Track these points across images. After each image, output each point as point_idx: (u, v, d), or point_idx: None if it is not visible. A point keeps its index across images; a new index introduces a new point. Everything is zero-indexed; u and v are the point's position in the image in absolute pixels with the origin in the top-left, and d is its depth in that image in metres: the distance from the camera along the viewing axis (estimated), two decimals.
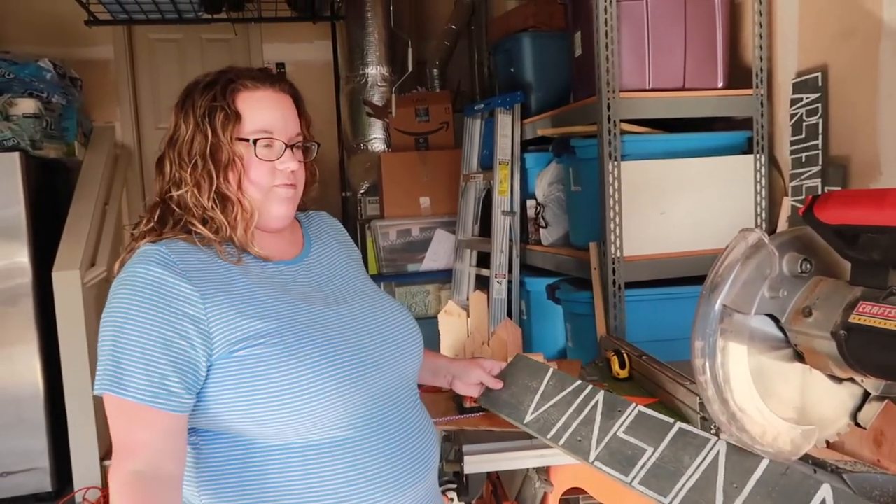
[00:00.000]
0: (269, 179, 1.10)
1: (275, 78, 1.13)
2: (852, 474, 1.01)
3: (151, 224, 1.08)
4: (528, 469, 1.60)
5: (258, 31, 4.74)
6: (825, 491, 0.84)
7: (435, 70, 4.19)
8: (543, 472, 1.59)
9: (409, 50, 3.80)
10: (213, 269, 1.04)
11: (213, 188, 1.06)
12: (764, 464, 0.92)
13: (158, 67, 4.73)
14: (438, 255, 3.84)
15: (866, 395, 0.94)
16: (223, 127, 1.06)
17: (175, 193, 1.08)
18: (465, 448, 1.47)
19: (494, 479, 1.85)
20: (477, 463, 1.49)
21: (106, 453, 3.38)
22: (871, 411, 0.94)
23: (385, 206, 3.87)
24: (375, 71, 4.20)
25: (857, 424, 0.95)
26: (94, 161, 3.86)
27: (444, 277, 3.81)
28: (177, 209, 1.08)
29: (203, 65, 4.53)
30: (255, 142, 1.08)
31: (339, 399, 1.01)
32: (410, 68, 3.85)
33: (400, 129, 3.92)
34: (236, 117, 1.07)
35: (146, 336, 0.97)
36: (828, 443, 1.00)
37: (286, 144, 1.10)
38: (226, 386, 0.99)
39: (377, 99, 4.15)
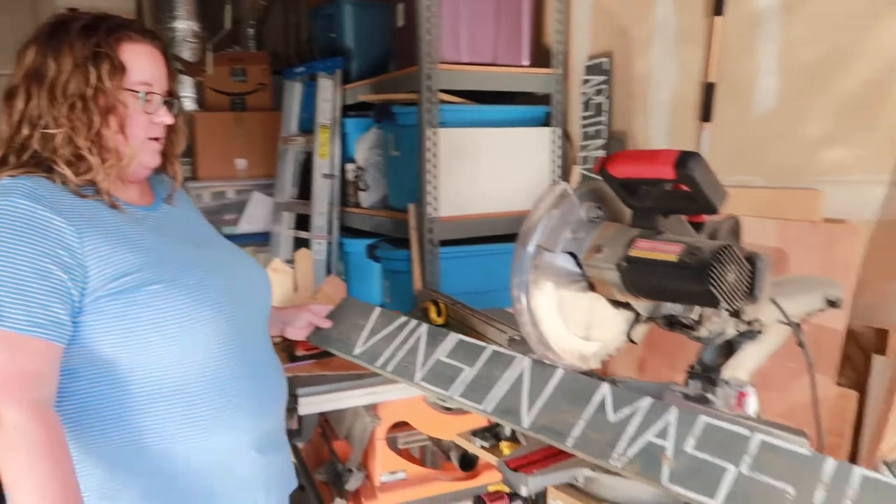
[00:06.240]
0: (144, 131, 1.12)
1: (153, 34, 1.15)
2: (623, 381, 1.25)
3: (7, 159, 1.05)
4: (357, 407, 1.73)
5: None
6: (604, 389, 1.08)
7: (251, 30, 4.10)
8: (371, 408, 1.73)
9: (227, 6, 3.69)
10: (81, 208, 1.05)
11: (93, 132, 1.06)
12: (559, 373, 1.14)
13: None
14: (255, 217, 3.81)
15: (638, 317, 1.18)
16: (110, 75, 1.06)
17: (40, 132, 1.05)
18: (299, 391, 1.56)
19: (322, 421, 1.96)
20: (311, 404, 1.58)
21: None
22: (641, 330, 1.18)
23: (198, 167, 3.76)
24: (185, 25, 4.02)
25: (631, 341, 1.19)
26: None
27: (261, 240, 3.80)
28: (38, 148, 1.05)
29: None
30: (144, 94, 1.09)
31: (213, 326, 1.08)
32: (228, 26, 3.75)
33: (214, 88, 3.81)
34: (122, 67, 1.07)
35: (24, 268, 0.96)
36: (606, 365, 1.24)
37: (162, 99, 1.13)
38: (103, 316, 1.01)
39: (187, 56, 3.98)
